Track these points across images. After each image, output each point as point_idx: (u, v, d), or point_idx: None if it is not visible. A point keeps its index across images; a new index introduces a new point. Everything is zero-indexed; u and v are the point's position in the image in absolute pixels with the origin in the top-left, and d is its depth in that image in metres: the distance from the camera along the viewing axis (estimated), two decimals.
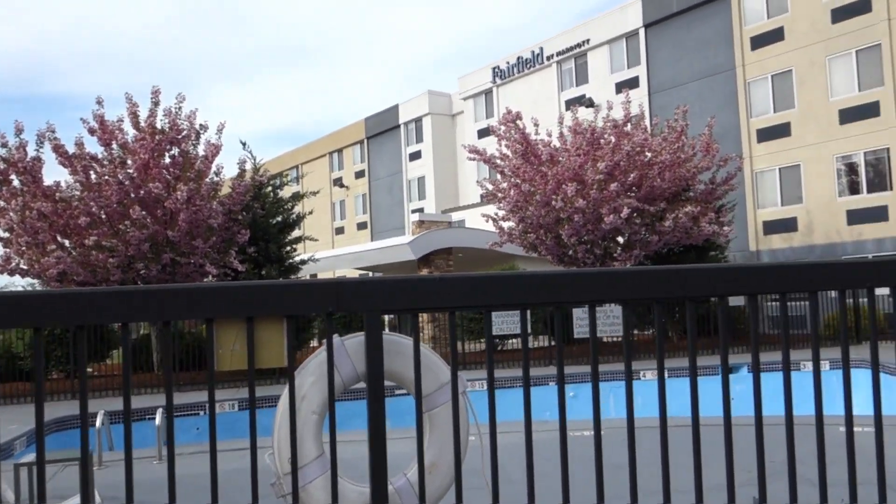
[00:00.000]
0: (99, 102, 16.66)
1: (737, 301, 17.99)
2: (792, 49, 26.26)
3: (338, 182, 49.84)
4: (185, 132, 16.85)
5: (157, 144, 16.28)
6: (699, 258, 21.23)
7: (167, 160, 16.79)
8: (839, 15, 25.04)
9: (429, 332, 24.02)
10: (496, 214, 20.89)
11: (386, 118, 46.71)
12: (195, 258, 16.61)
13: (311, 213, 21.95)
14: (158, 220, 16.23)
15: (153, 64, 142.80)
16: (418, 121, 44.72)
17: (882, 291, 2.98)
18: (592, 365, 2.65)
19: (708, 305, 19.06)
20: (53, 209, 15.79)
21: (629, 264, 19.56)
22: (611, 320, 18.58)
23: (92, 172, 16.32)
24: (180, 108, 16.90)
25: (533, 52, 36.56)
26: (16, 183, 16.28)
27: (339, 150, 50.35)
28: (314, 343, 21.59)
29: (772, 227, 26.96)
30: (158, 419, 8.39)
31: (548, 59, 35.81)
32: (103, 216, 16.21)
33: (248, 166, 19.00)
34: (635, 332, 21.31)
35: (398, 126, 45.88)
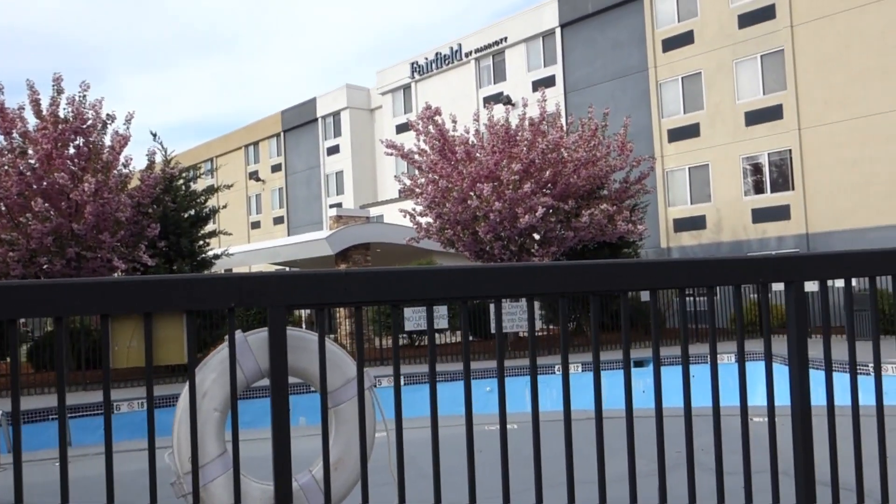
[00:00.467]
0: None
1: (645, 296, 18.54)
2: (701, 52, 27.14)
3: (253, 175, 48.96)
4: (90, 121, 16.23)
5: (61, 134, 15.63)
6: (613, 255, 21.73)
7: (72, 150, 16.15)
8: (745, 20, 25.99)
9: (347, 327, 23.87)
10: (414, 210, 20.90)
11: (303, 111, 46.13)
12: (102, 252, 16.05)
13: (225, 206, 21.51)
14: (63, 213, 15.62)
15: (60, 50, 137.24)
16: (336, 115, 44.33)
17: (778, 287, 3.10)
18: (499, 360, 2.67)
19: (619, 300, 19.52)
20: None
21: (546, 260, 19.86)
22: (526, 314, 18.86)
23: None
24: (84, 96, 16.27)
25: (451, 48, 36.70)
26: None
27: (255, 143, 49.47)
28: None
29: (682, 225, 27.82)
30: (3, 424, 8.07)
31: (466, 55, 36.02)
32: (3, 208, 15.50)
33: (159, 158, 18.47)
34: (550, 326, 21.67)
35: (316, 119, 45.38)
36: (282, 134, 47.40)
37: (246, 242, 43.74)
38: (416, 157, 20.35)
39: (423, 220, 20.85)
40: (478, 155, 19.51)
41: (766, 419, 3.06)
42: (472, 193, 18.86)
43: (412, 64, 38.81)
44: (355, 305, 2.50)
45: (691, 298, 18.51)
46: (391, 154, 20.70)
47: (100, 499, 2.44)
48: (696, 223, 27.39)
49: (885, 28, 22.68)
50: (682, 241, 27.81)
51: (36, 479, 7.29)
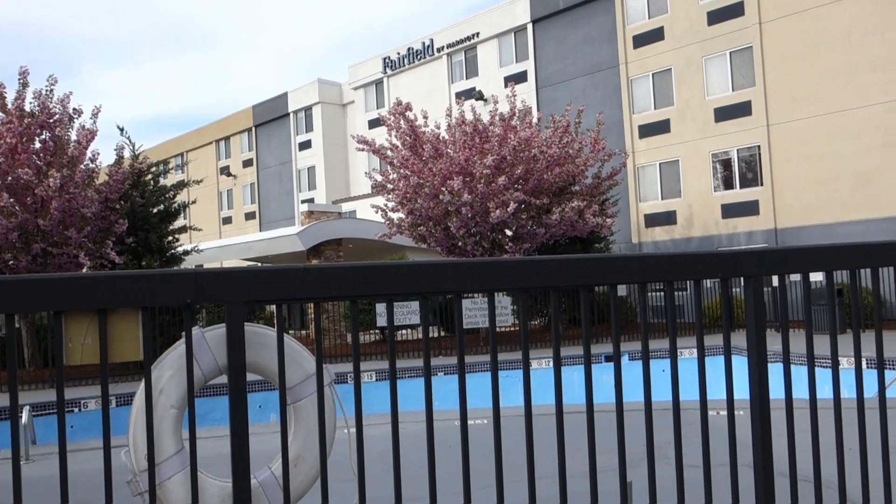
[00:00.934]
0: None
1: (621, 290, 18.68)
2: (671, 49, 27.35)
3: (225, 171, 48.56)
4: (57, 116, 16.00)
5: (26, 128, 15.38)
6: (584, 250, 21.86)
7: (37, 145, 15.90)
8: (715, 17, 26.23)
9: None
10: (385, 206, 20.86)
11: (275, 106, 45.81)
12: (68, 249, 15.83)
13: (194, 201, 21.30)
14: (28, 209, 15.38)
15: (29, 44, 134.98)
16: (308, 109, 44.07)
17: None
18: (459, 356, 2.67)
19: (593, 295, 19.67)
20: None
21: (519, 256, 19.93)
22: (498, 310, 18.91)
23: None
24: (52, 90, 16.03)
25: (423, 43, 36.64)
26: None
27: (227, 138, 49.05)
28: None
29: (653, 220, 28.04)
30: (25, 417, 8.00)
31: (438, 50, 35.97)
32: None
33: (127, 153, 18.24)
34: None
35: (287, 114, 45.08)
36: (253, 129, 47.04)
37: (217, 238, 43.41)
38: (389, 152, 20.31)
39: (395, 216, 20.82)
40: (448, 151, 19.51)
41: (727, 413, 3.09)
42: (443, 189, 18.87)
43: (384, 59, 38.70)
44: (314, 301, 2.49)
45: (657, 293, 18.68)
46: (362, 149, 20.64)
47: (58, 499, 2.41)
48: (667, 218, 27.61)
49: (850, 26, 23.00)
50: (653, 237, 28.03)
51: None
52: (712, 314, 20.43)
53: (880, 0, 22.47)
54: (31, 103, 15.85)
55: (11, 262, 15.69)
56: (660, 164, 27.84)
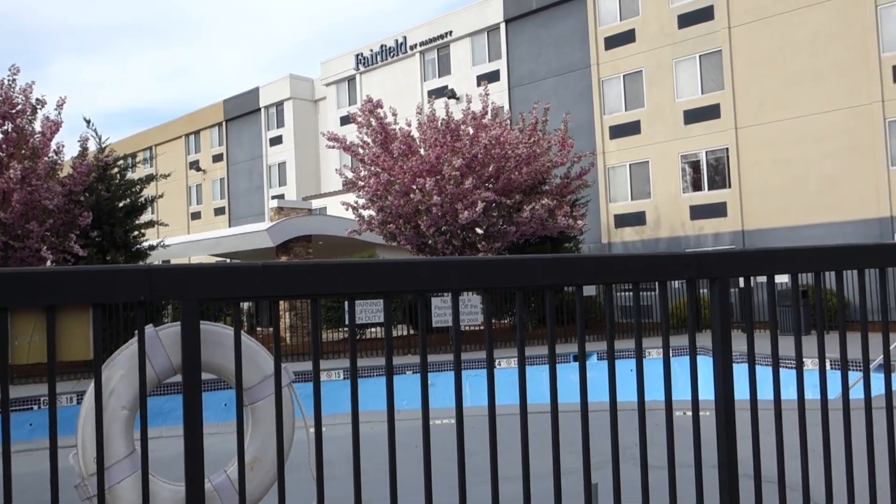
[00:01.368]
0: None
1: (589, 290, 18.73)
2: (642, 51, 27.52)
3: (194, 165, 48.02)
4: (19, 106, 15.67)
5: None
6: (554, 249, 21.92)
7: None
8: (685, 20, 26.44)
9: (287, 320, 23.59)
10: (356, 203, 20.75)
11: (246, 101, 45.38)
12: (30, 242, 15.52)
13: (161, 196, 21.01)
14: None
15: None
16: (279, 105, 43.72)
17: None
18: (422, 356, 2.62)
19: (562, 295, 19.73)
20: None
21: (491, 254, 19.94)
22: (468, 309, 18.89)
23: None
24: (14, 80, 15.70)
25: (396, 40, 36.51)
26: None
27: (196, 133, 48.50)
28: None
29: (623, 221, 28.20)
30: None
31: (411, 48, 35.87)
32: None
33: (93, 145, 17.94)
34: (493, 321, 21.74)
35: (258, 109, 44.69)
36: (224, 123, 46.57)
37: (186, 233, 42.92)
38: (359, 149, 20.20)
39: (366, 213, 20.72)
40: (419, 149, 19.45)
41: (704, 413, 3.08)
42: (413, 187, 18.80)
43: (357, 55, 38.50)
44: (273, 299, 2.42)
45: (625, 293, 18.78)
46: (333, 146, 20.50)
47: (18, 498, 2.32)
48: (637, 219, 27.79)
49: (816, 32, 23.31)
50: (623, 237, 28.20)
51: None
52: (679, 314, 20.59)
53: (845, 7, 22.80)
54: None
55: None
56: (630, 164, 28.01)
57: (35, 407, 12.69)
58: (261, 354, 2.99)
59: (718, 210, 25.70)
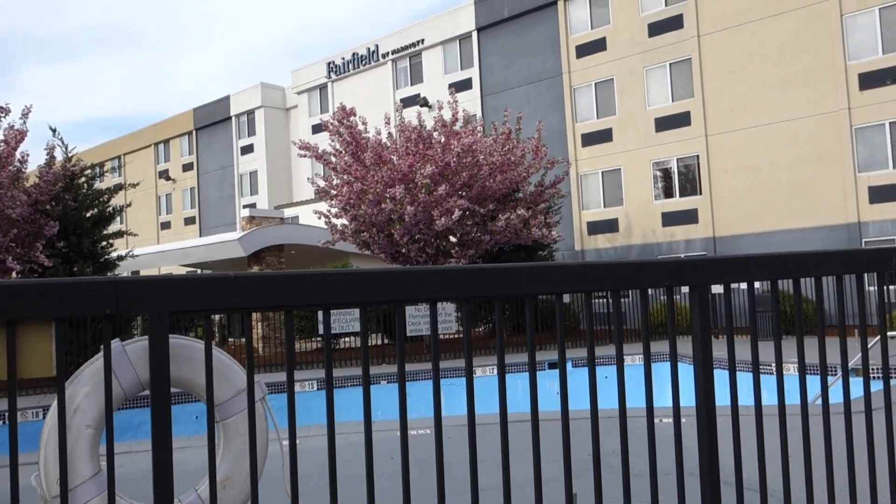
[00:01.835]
0: None
1: (564, 298, 18.77)
2: (613, 59, 27.71)
3: (164, 174, 47.50)
4: None
5: None
6: (528, 257, 21.94)
7: None
8: (655, 29, 26.67)
9: (260, 330, 23.35)
10: (329, 212, 20.61)
11: (216, 109, 45.02)
12: None
13: (129, 205, 20.72)
14: None
15: None
16: (251, 113, 43.43)
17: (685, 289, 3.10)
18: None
19: (537, 303, 19.73)
20: None
21: (464, 262, 19.89)
22: (442, 317, 18.82)
23: None
24: None
25: (368, 48, 36.45)
26: None
27: (166, 141, 48.01)
28: None
29: (595, 228, 28.31)
30: None
31: (383, 56, 35.83)
32: None
33: (59, 154, 17.65)
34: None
35: (229, 118, 44.36)
36: (194, 132, 46.15)
37: (155, 243, 42.40)
38: (332, 158, 20.08)
39: (339, 222, 20.58)
40: (392, 157, 19.37)
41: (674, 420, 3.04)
42: (386, 196, 18.71)
43: (328, 63, 38.37)
44: (245, 311, 2.34)
45: (602, 300, 18.82)
46: (304, 155, 20.36)
47: None
48: (609, 226, 27.92)
49: (784, 40, 23.63)
50: (596, 244, 28.30)
51: None
52: (656, 320, 20.68)
53: (812, 16, 23.14)
54: None
55: None
56: (602, 172, 28.15)
57: (0, 422, 12.39)
58: (233, 369, 2.89)
59: (690, 217, 25.90)
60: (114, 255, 18.73)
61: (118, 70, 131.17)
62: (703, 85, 25.52)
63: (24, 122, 16.23)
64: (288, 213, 33.37)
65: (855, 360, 9.15)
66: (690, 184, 26.05)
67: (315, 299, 2.39)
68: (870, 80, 22.15)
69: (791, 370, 9.72)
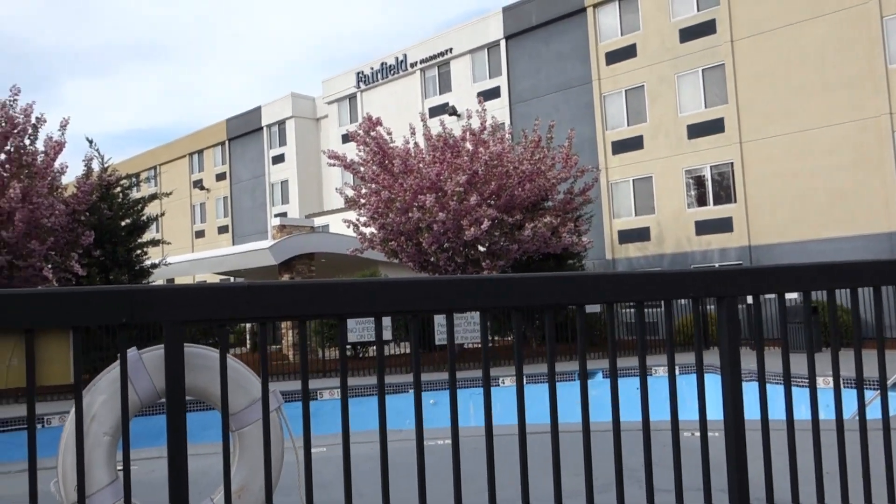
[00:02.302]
0: None
1: (592, 308, 18.59)
2: (644, 65, 27.49)
3: (198, 184, 48.09)
4: (20, 126, 15.68)
5: None
6: (558, 266, 21.78)
7: (2, 157, 15.56)
8: (687, 35, 26.42)
9: (291, 338, 23.47)
10: (357, 220, 20.67)
11: (248, 120, 45.50)
12: (32, 261, 15.46)
13: (163, 214, 21.00)
14: None
15: (7, 56, 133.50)
16: (282, 123, 43.82)
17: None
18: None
19: (566, 312, 19.57)
20: None
21: (494, 272, 19.81)
22: (471, 326, 18.74)
23: None
24: (15, 101, 15.71)
25: (397, 58, 36.58)
26: None
27: (200, 152, 48.61)
28: None
29: (626, 237, 28.06)
30: None
31: (411, 66, 35.93)
32: None
33: (96, 165, 17.96)
34: (496, 338, 21.58)
35: (261, 128, 44.79)
36: (227, 142, 46.67)
37: (190, 252, 42.90)
38: (361, 168, 20.16)
39: (367, 231, 20.63)
40: (420, 166, 19.38)
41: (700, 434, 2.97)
42: (414, 205, 18.71)
43: (358, 73, 38.58)
44: (259, 321, 2.33)
45: (630, 310, 18.58)
46: (333, 164, 20.47)
47: None
48: (641, 235, 27.65)
49: (822, 44, 23.25)
50: (627, 253, 28.04)
51: None
52: (686, 331, 20.44)
53: (851, 18, 22.74)
54: None
55: None
56: (633, 180, 27.91)
57: (39, 426, 12.56)
58: (248, 378, 2.88)
59: (724, 225, 25.55)
60: (147, 263, 18.99)
61: (154, 83, 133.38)
62: (736, 91, 25.20)
63: (63, 134, 16.53)
64: (318, 221, 33.58)
65: (894, 378, 8.91)
66: (725, 191, 25.71)
67: (328, 309, 2.37)
68: None
69: (822, 383, 9.50)
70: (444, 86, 34.72)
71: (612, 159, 28.38)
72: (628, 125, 28.04)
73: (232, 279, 31.93)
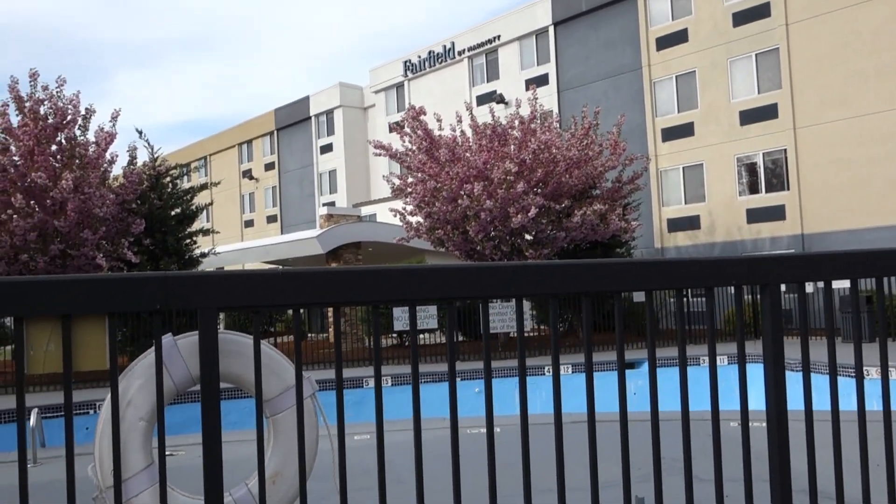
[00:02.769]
0: None
1: (639, 297, 18.37)
2: (695, 51, 26.98)
3: (247, 174, 48.75)
4: (70, 117, 16.04)
5: (41, 130, 15.44)
6: (605, 255, 21.56)
7: (54, 148, 15.96)
8: (740, 18, 25.84)
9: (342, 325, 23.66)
10: (404, 209, 20.73)
11: (297, 110, 45.91)
12: (85, 250, 15.85)
13: (211, 204, 21.35)
14: (47, 210, 15.43)
15: (62, 50, 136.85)
16: (329, 113, 44.11)
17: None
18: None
19: (612, 301, 19.35)
20: None
21: (538, 260, 19.70)
22: (514, 315, 18.68)
23: None
24: (61, 91, 16.07)
25: (444, 46, 36.51)
26: None
27: (249, 142, 49.25)
28: None
29: (675, 225, 27.66)
30: (32, 420, 7.88)
31: (459, 54, 35.82)
32: None
33: (145, 155, 18.34)
34: (541, 326, 21.47)
35: (309, 118, 45.16)
36: (275, 132, 47.18)
37: (239, 241, 43.57)
38: (406, 157, 20.20)
39: (414, 220, 20.68)
40: (466, 154, 19.34)
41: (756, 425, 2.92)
42: (461, 193, 18.69)
43: (405, 62, 38.61)
44: (292, 308, 2.33)
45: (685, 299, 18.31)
46: (379, 154, 20.55)
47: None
48: (691, 223, 27.23)
49: (879, 27, 22.54)
50: (676, 242, 27.65)
51: (3, 481, 7.11)
52: (733, 321, 20.06)
53: None
54: (45, 105, 15.90)
55: (31, 263, 15.72)
56: (683, 167, 27.47)
57: (91, 411, 12.91)
58: (282, 364, 2.90)
59: (776, 213, 25.01)
60: (197, 252, 19.32)
61: (204, 75, 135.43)
62: (791, 76, 24.59)
63: (114, 125, 16.86)
64: (365, 210, 33.78)
65: None
66: (777, 179, 25.16)
67: (362, 296, 2.36)
68: None
69: (873, 374, 9.24)
70: (492, 73, 34.55)
71: (662, 146, 27.96)
72: (678, 112, 27.58)
73: (280, 268, 32.33)
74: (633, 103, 28.60)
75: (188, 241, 18.85)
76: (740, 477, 2.92)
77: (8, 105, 15.81)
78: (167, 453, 2.34)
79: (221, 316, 19.83)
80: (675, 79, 27.69)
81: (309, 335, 26.19)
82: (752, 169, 25.85)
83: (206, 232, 19.74)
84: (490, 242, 19.59)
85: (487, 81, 34.71)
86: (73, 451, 2.23)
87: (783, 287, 2.91)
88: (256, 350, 2.30)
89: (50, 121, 15.67)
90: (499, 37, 34.04)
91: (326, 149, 44.14)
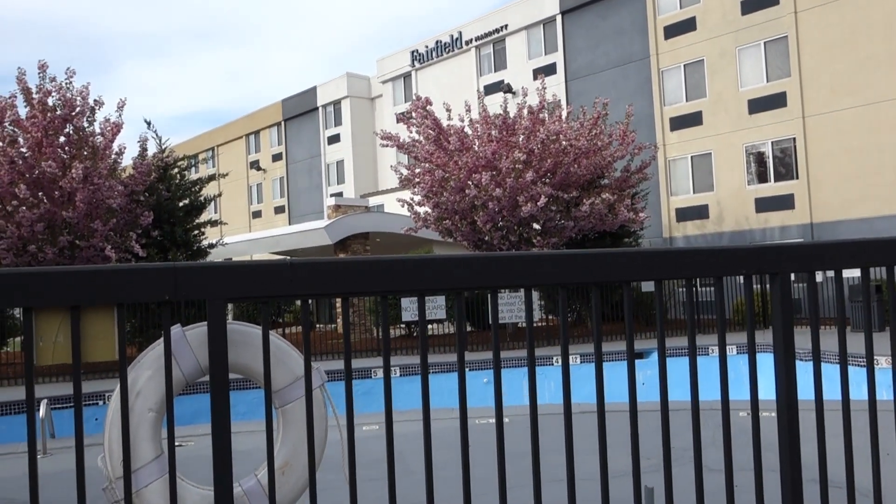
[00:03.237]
0: None
1: (648, 287, 18.32)
2: (703, 39, 26.82)
3: (255, 165, 48.78)
4: (78, 108, 16.05)
5: (50, 122, 15.46)
6: (613, 245, 21.52)
7: (62, 139, 15.98)
8: (748, 6, 25.66)
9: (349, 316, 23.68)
10: (412, 199, 20.71)
11: (304, 100, 45.87)
12: (94, 241, 15.89)
13: (219, 195, 21.36)
14: (55, 201, 15.47)
15: (68, 40, 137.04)
16: (337, 103, 44.06)
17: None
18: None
19: (620, 291, 19.31)
20: None
21: (547, 250, 19.65)
22: (522, 305, 18.66)
23: None
24: (70, 82, 16.08)
25: (451, 36, 36.39)
26: None
27: (256, 133, 49.26)
28: None
29: (684, 215, 27.56)
30: (42, 411, 7.92)
31: (466, 43, 35.71)
32: None
33: (153, 146, 18.34)
34: (550, 316, 21.45)
35: (316, 108, 45.12)
36: (282, 123, 47.17)
37: (247, 232, 43.64)
38: (413, 147, 20.17)
39: (421, 210, 20.66)
40: (474, 144, 19.30)
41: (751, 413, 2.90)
42: (469, 182, 18.66)
43: (412, 52, 38.51)
44: (301, 298, 2.33)
45: (695, 289, 18.26)
46: (386, 145, 20.53)
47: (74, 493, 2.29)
48: (699, 213, 27.13)
49: (890, 14, 22.35)
50: (685, 231, 27.57)
51: (13, 472, 7.17)
52: (742, 310, 20.00)
53: None
54: (53, 97, 15.92)
55: (40, 254, 15.77)
56: (692, 157, 27.36)
57: (100, 402, 12.96)
58: (291, 355, 2.90)
59: (786, 202, 24.90)
60: (205, 243, 19.34)
61: (213, 65, 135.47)
62: (800, 63, 24.42)
63: (120, 115, 16.86)
64: (373, 201, 33.78)
65: None
66: (786, 168, 25.03)
67: (369, 287, 2.36)
68: None
69: (883, 363, 9.20)
70: (500, 63, 34.43)
71: (670, 136, 27.84)
72: (687, 101, 27.44)
73: (288, 259, 32.37)
74: (640, 92, 28.47)
75: (196, 232, 18.88)
76: (750, 467, 2.91)
77: (16, 97, 15.84)
78: (176, 444, 2.34)
79: (230, 307, 19.88)
80: (683, 67, 27.54)
81: (317, 326, 26.24)
82: (760, 158, 25.73)
83: (214, 223, 19.76)
84: (498, 232, 19.56)
85: (495, 71, 34.60)
86: (82, 441, 2.23)
87: (793, 276, 2.90)
88: (265, 340, 2.30)
89: (58, 112, 15.69)
90: (506, 26, 33.90)
91: (334, 139, 44.11)
